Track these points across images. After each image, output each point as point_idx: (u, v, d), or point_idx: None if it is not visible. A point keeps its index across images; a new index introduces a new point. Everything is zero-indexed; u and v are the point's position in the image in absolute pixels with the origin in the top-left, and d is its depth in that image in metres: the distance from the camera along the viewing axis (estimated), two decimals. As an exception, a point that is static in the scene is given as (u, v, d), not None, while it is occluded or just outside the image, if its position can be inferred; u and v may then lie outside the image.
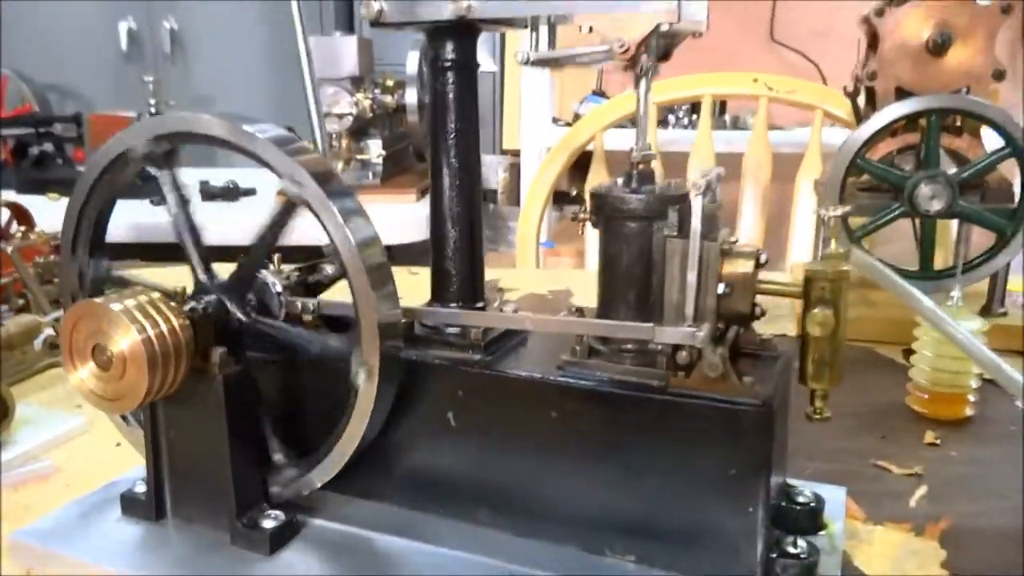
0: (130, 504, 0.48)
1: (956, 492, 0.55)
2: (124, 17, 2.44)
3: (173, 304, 0.43)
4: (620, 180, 0.44)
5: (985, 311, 0.84)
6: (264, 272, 0.48)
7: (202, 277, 0.46)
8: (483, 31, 0.44)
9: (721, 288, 0.41)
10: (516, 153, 2.43)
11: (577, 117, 1.95)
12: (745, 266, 0.41)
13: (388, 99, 1.98)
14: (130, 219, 1.76)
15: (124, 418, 0.51)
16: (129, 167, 0.46)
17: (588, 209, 0.45)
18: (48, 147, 2.15)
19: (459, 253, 0.48)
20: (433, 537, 0.46)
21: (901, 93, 0.82)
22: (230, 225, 1.75)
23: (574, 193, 1.94)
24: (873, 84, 0.83)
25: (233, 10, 2.44)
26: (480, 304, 0.50)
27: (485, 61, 1.88)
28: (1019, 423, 0.65)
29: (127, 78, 2.43)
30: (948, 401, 0.66)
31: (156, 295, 0.42)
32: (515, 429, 0.45)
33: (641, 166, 0.44)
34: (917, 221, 0.82)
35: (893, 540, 0.49)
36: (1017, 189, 0.79)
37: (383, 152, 1.95)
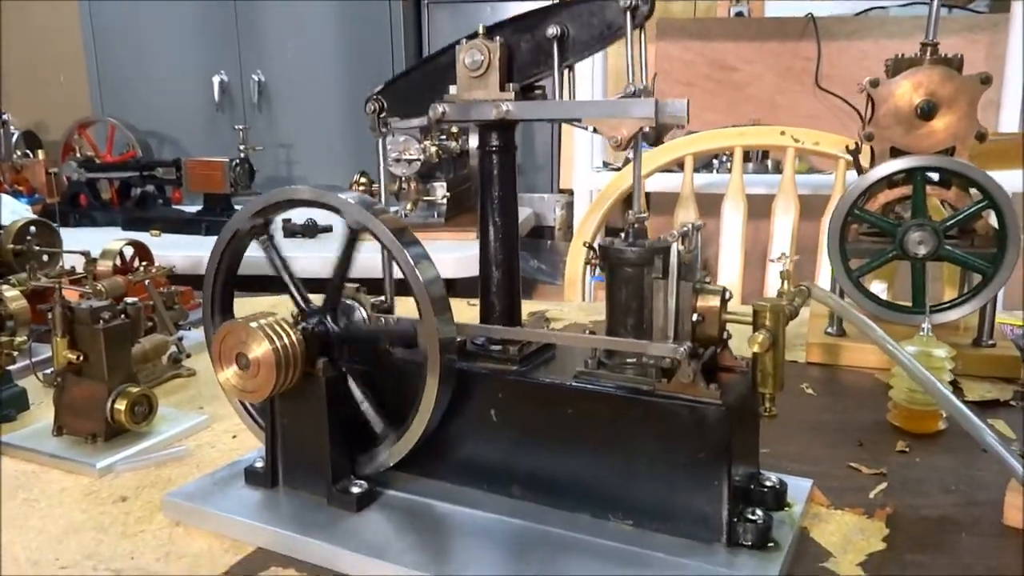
0: (251, 475, 0.64)
1: (910, 488, 0.66)
2: (217, 71, 2.70)
3: (290, 324, 0.58)
4: (621, 235, 0.58)
5: (976, 343, 0.95)
6: (351, 300, 0.63)
7: (303, 305, 0.62)
8: (517, 125, 0.60)
9: (695, 317, 0.54)
10: (572, 192, 2.58)
11: (628, 161, 2.10)
12: (713, 301, 0.55)
13: (452, 144, 2.16)
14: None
15: (247, 410, 0.67)
16: (242, 240, 0.63)
17: (598, 257, 0.59)
18: (149, 188, 2.41)
19: (501, 289, 0.63)
20: (477, 505, 0.60)
21: (896, 152, 0.94)
22: (309, 259, 1.95)
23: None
24: (871, 144, 0.96)
25: (314, 63, 2.67)
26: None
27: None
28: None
29: (219, 126, 2.69)
30: (922, 417, 0.77)
31: (279, 316, 0.58)
32: (542, 423, 0.59)
33: (636, 225, 0.58)
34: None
35: (847, 521, 0.61)
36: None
37: (447, 194, 2.13)
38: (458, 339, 0.60)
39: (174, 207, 2.42)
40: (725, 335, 0.56)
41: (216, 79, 2.70)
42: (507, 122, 0.58)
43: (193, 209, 2.29)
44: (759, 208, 1.56)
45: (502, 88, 0.58)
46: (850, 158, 1.02)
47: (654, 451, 0.55)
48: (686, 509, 0.55)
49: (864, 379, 0.93)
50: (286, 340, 0.57)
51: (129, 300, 0.77)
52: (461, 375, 0.60)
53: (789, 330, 0.55)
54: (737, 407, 0.54)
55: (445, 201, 2.14)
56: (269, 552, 0.57)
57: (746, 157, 2.33)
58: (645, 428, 0.55)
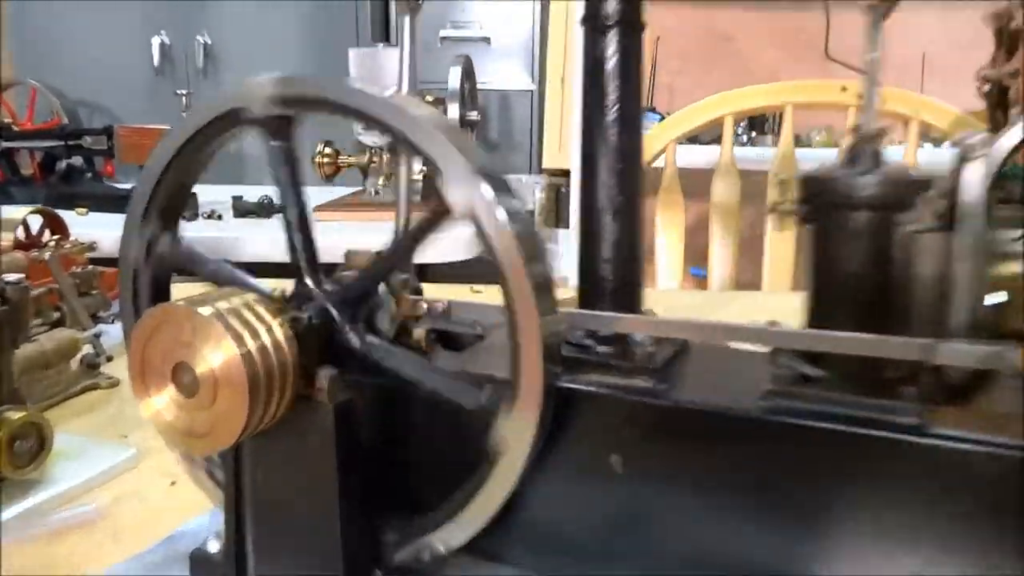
0: (201, 565, 0.39)
1: None
2: (157, 32, 2.39)
3: (272, 310, 0.33)
4: (839, 163, 0.35)
5: None
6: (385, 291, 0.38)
7: (309, 281, 0.36)
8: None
9: (999, 296, 0.31)
10: (555, 173, 2.34)
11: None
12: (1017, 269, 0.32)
13: (429, 113, 1.91)
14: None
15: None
16: (235, 129, 0.38)
17: (795, 199, 0.35)
18: (77, 161, 2.10)
19: (618, 253, 0.39)
20: (592, 615, 0.36)
21: (1050, 91, 0.73)
22: (264, 241, 1.67)
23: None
24: (1015, 83, 0.74)
25: (265, 25, 2.39)
26: (641, 318, 0.40)
27: (523, 80, 1.77)
28: None
29: (159, 93, 2.38)
30: None
31: (254, 297, 0.33)
32: (702, 477, 0.35)
33: (869, 143, 0.34)
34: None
35: None
36: None
37: (423, 168, 1.87)
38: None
39: (105, 182, 2.11)
40: (1030, 329, 0.33)
41: (156, 40, 2.40)
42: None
43: (127, 185, 2.00)
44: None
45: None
46: (925, 119, 0.81)
47: (929, 528, 0.32)
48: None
49: None
50: (266, 339, 0.32)
51: (8, 278, 0.51)
52: (559, 397, 0.35)
53: None
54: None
55: (421, 177, 1.89)
56: None
57: (750, 127, 2.13)
58: (913, 490, 0.31)
